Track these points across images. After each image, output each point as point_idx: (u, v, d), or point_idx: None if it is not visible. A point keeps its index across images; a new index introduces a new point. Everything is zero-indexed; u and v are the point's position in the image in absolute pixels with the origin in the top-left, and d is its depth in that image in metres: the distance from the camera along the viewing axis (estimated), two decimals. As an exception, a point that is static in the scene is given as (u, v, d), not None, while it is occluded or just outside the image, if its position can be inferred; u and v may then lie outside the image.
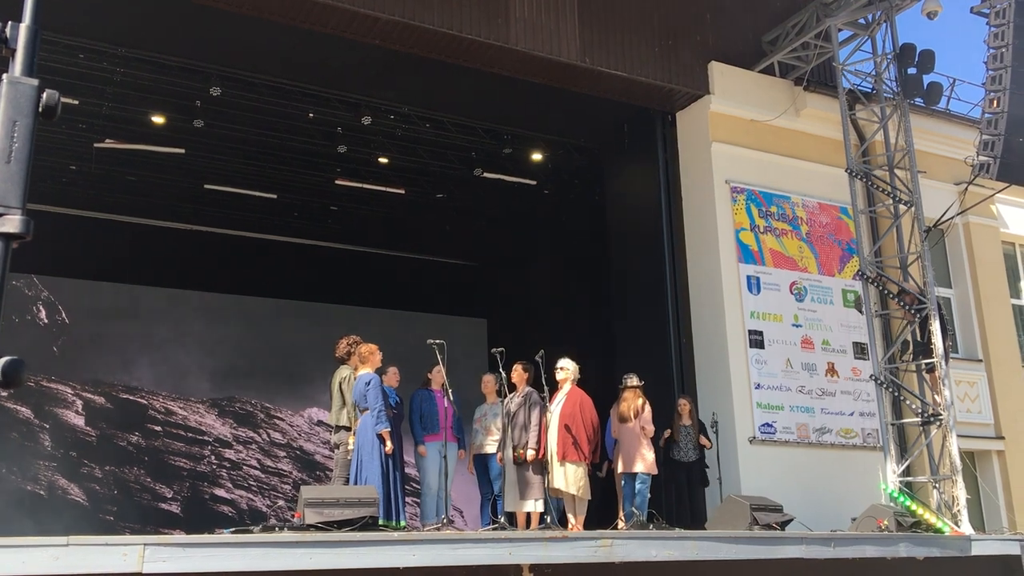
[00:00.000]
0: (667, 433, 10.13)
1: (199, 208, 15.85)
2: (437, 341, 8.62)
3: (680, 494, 10.13)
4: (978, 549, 9.37)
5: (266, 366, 16.62)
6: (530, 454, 8.58)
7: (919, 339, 11.16)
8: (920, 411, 11.01)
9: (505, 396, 8.97)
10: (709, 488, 10.30)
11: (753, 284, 11.77)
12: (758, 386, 11.39)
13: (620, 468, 9.45)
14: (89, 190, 14.79)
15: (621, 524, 9.15)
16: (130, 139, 13.39)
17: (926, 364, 11.08)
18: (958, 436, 10.86)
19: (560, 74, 11.64)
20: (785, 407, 11.49)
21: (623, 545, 7.29)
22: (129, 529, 14.01)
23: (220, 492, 15.82)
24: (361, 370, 8.22)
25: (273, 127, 13.39)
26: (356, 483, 7.75)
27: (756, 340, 11.56)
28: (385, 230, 17.18)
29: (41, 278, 15.39)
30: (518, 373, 8.94)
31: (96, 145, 13.37)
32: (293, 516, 7.46)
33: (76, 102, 11.96)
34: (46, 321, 15.46)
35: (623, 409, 9.51)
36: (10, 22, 2.43)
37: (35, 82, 2.15)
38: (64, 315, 15.55)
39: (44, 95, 2.17)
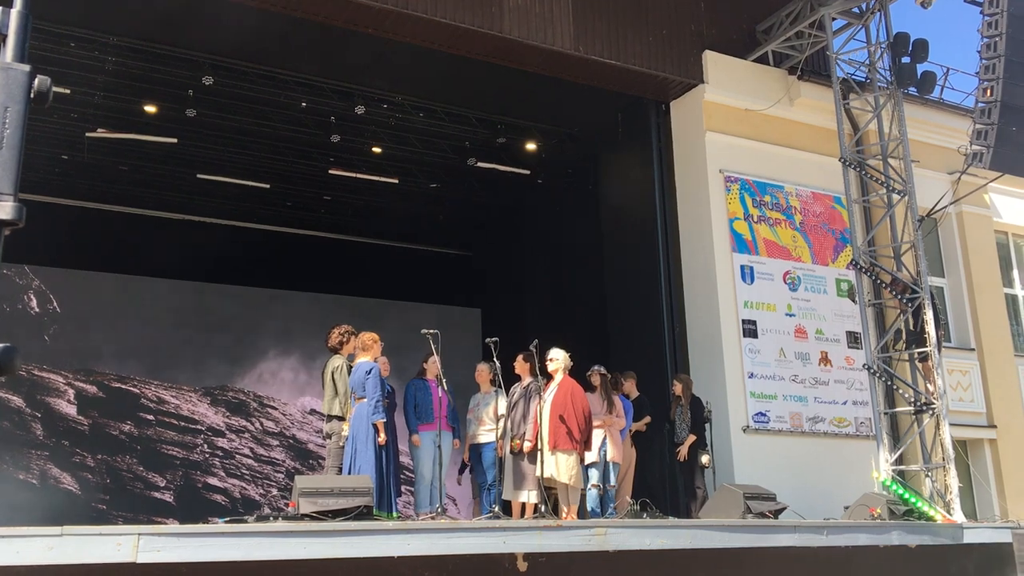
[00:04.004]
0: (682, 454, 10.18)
1: (192, 198, 15.79)
2: (431, 331, 8.60)
3: (675, 474, 10.20)
4: (970, 537, 9.43)
5: (258, 355, 16.61)
6: (526, 445, 8.58)
7: (912, 328, 11.19)
8: (913, 400, 11.05)
9: (499, 385, 8.95)
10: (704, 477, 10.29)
11: (747, 273, 11.79)
12: (751, 375, 11.42)
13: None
14: (81, 180, 14.72)
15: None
16: (122, 128, 13.32)
17: (919, 353, 11.11)
18: (950, 425, 10.91)
19: (554, 63, 11.61)
20: (778, 396, 11.52)
21: (617, 533, 7.31)
22: (122, 518, 14.00)
23: (213, 481, 15.81)
24: (360, 358, 8.20)
25: (266, 116, 13.34)
26: (350, 472, 7.74)
27: (750, 329, 11.58)
28: (379, 220, 17.15)
29: (32, 267, 15.33)
30: (520, 363, 8.92)
31: (88, 135, 13.30)
32: (288, 505, 7.46)
33: (68, 91, 11.90)
34: (37, 310, 15.40)
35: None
36: (1, 7, 2.40)
37: (27, 67, 2.12)
38: (55, 304, 15.50)
39: (36, 81, 2.14)
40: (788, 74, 12.71)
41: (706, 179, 11.94)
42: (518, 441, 8.60)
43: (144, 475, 15.28)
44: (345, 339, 8.61)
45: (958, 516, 10.27)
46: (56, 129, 13.01)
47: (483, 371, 9.46)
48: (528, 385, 8.84)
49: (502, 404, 9.02)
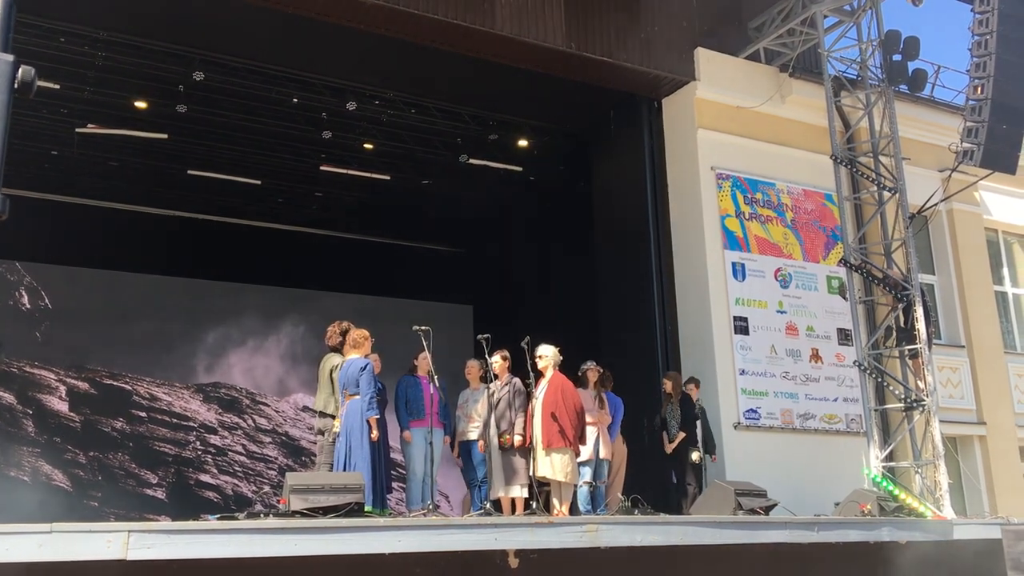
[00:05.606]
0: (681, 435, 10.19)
1: (182, 194, 15.73)
2: (423, 327, 8.60)
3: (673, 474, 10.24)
4: (959, 533, 9.46)
5: (250, 351, 16.58)
6: (517, 440, 8.58)
7: (902, 325, 11.22)
8: (903, 397, 11.08)
9: (489, 382, 8.94)
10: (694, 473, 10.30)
11: (738, 270, 11.81)
12: (743, 372, 11.44)
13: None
14: (71, 176, 14.66)
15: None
16: (112, 124, 13.27)
17: (909, 350, 11.15)
18: (940, 421, 10.94)
19: (546, 60, 11.60)
20: (769, 393, 11.54)
21: (608, 530, 7.31)
22: (114, 515, 13.97)
23: (205, 478, 15.78)
24: (351, 354, 8.17)
25: (257, 112, 13.30)
26: (344, 468, 7.72)
27: (741, 326, 11.60)
28: (370, 216, 17.12)
29: (23, 264, 15.28)
30: (499, 363, 8.93)
31: (78, 130, 13.25)
32: (279, 502, 7.44)
33: (57, 86, 11.85)
34: (29, 306, 15.36)
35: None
36: (-16, 0, 2.38)
37: (10, 58, 2.09)
38: (47, 300, 15.45)
39: (19, 71, 2.11)
40: (780, 71, 12.73)
41: (698, 176, 11.95)
42: (508, 436, 8.60)
43: (136, 472, 15.25)
44: (346, 337, 8.56)
45: (948, 512, 10.31)
46: (46, 125, 12.95)
47: (473, 367, 9.45)
48: (512, 383, 8.84)
49: (493, 401, 9.02)
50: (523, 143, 14.59)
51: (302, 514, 6.38)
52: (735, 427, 11.19)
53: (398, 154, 14.89)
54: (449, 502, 14.87)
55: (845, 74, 12.38)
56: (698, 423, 10.31)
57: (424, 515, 7.97)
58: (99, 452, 15.06)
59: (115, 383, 15.63)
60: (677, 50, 12.27)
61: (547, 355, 8.93)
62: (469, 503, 9.65)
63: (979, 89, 10.62)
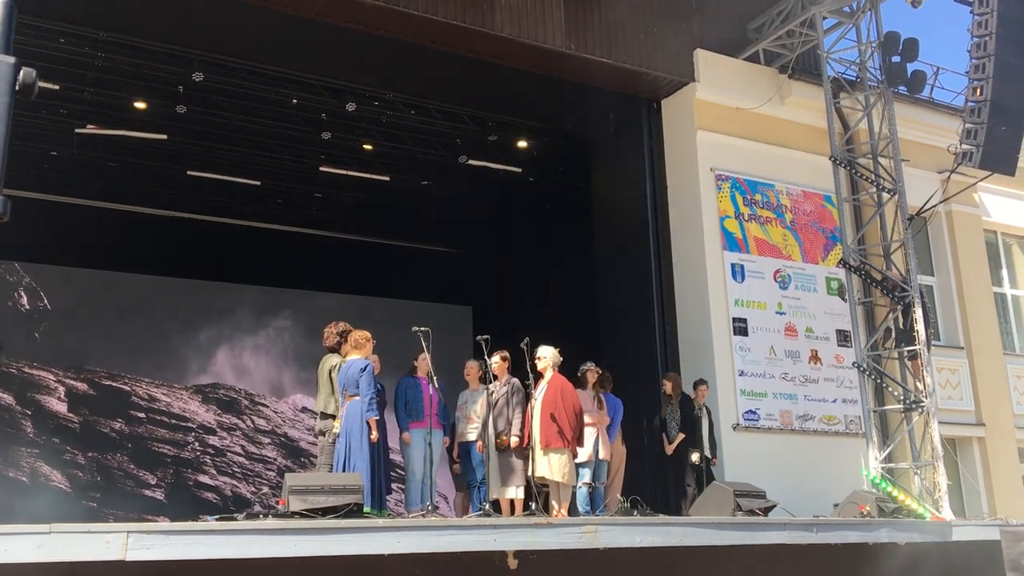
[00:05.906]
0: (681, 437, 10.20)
1: (182, 195, 15.73)
2: (422, 328, 8.59)
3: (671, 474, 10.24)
4: (958, 534, 9.46)
5: (250, 352, 16.57)
6: (513, 441, 8.58)
7: (901, 326, 11.23)
8: (902, 398, 11.09)
9: (488, 383, 8.95)
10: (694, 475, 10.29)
11: (737, 272, 11.81)
12: (742, 373, 11.45)
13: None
14: (71, 176, 14.65)
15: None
16: (112, 125, 13.28)
17: (908, 351, 11.15)
18: (939, 423, 10.94)
19: (545, 60, 11.61)
20: (768, 394, 11.55)
21: (608, 531, 7.32)
22: (112, 516, 13.96)
23: (204, 479, 15.78)
24: (352, 355, 8.16)
25: (257, 113, 13.31)
26: (344, 469, 7.71)
27: (740, 327, 11.60)
28: (370, 217, 17.12)
29: (22, 264, 15.27)
30: (499, 364, 8.93)
31: (77, 131, 13.25)
32: (278, 503, 7.44)
33: (57, 87, 11.86)
34: (28, 307, 15.35)
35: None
36: (-14, 1, 2.38)
37: (11, 60, 2.09)
38: (46, 301, 15.44)
39: (21, 73, 2.11)
40: (779, 73, 12.74)
41: (697, 177, 11.96)
42: (505, 438, 8.60)
43: (135, 473, 15.24)
44: (343, 337, 8.56)
45: (947, 514, 10.31)
46: (45, 125, 12.95)
47: (472, 368, 9.45)
48: (511, 384, 8.84)
49: (492, 402, 9.01)
50: (522, 144, 14.60)
51: (301, 515, 6.38)
52: (734, 428, 11.19)
53: (397, 155, 14.89)
54: (448, 503, 14.86)
55: (844, 75, 12.40)
56: (703, 425, 10.31)
57: (423, 516, 7.97)
58: (98, 453, 15.06)
59: (114, 384, 15.62)
60: (676, 51, 12.27)
61: (546, 356, 8.92)
62: (461, 503, 9.66)
63: (978, 91, 10.63)
